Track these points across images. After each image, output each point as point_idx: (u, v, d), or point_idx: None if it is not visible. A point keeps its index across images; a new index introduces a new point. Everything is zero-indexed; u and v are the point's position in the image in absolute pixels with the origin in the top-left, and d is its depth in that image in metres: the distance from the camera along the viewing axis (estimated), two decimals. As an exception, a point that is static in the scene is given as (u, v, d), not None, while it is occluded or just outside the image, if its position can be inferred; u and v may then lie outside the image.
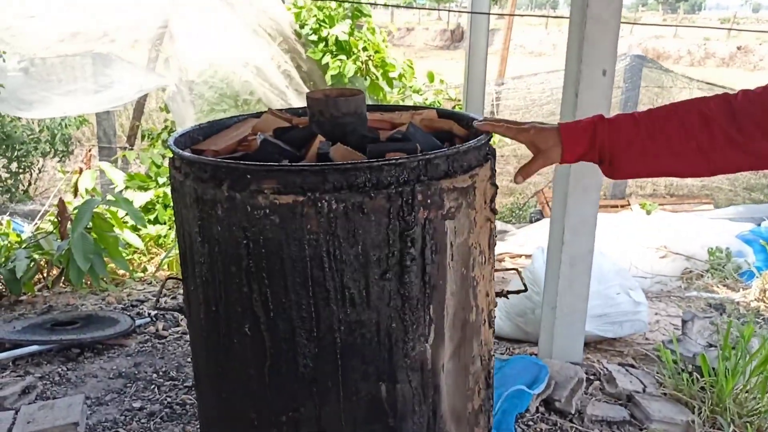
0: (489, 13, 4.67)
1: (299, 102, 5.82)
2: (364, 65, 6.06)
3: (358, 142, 1.63)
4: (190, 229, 1.59)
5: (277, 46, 6.07)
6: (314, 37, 5.99)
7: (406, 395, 1.58)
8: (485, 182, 1.62)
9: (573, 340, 3.61)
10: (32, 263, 4.38)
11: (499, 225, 6.97)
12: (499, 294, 1.83)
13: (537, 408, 3.23)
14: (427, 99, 6.22)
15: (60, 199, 4.59)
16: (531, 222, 7.28)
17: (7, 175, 6.83)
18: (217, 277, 1.56)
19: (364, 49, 5.98)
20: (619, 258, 4.80)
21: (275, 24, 6.10)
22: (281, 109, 2.03)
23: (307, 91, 6.31)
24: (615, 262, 4.21)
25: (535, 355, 3.76)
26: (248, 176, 1.44)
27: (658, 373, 3.54)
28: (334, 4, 6.17)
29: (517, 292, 1.84)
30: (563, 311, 3.56)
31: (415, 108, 2.04)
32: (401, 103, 6.26)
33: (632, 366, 3.68)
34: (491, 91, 7.18)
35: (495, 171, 1.70)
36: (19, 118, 6.60)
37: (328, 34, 5.87)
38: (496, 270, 1.88)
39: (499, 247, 6.37)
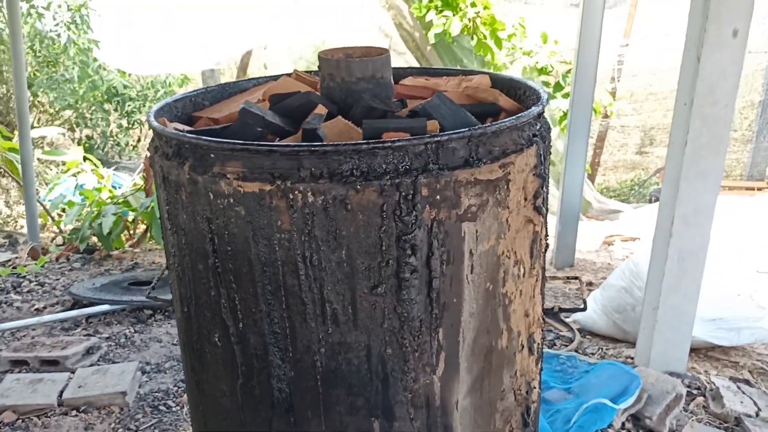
0: (608, -36, 4.10)
1: (398, 64, 5.48)
2: (471, 23, 5.59)
3: (368, 116, 1.30)
4: (162, 214, 1.34)
5: (379, 3, 5.73)
6: (418, -8, 5.60)
7: (407, 436, 1.26)
8: (525, 173, 1.24)
9: (676, 347, 3.12)
10: (119, 219, 4.40)
11: (613, 204, 6.35)
12: (549, 312, 1.46)
13: (623, 424, 2.80)
14: (538, 62, 5.69)
15: (146, 155, 4.57)
16: (650, 201, 6.59)
17: (118, 130, 7.04)
18: (187, 274, 1.30)
19: (472, 5, 5.51)
20: (745, 250, 4.16)
21: (377, -22, 5.77)
22: (309, 71, 1.73)
23: (407, 52, 5.97)
24: (737, 257, 3.62)
25: (632, 359, 3.30)
26: (212, 156, 1.16)
27: (778, 394, 2.98)
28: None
29: (572, 310, 1.46)
30: (666, 314, 3.06)
31: (465, 72, 1.66)
32: (509, 66, 5.77)
33: (747, 382, 3.13)
34: (614, 53, 6.49)
35: (545, 156, 1.31)
36: (128, 75, 6.73)
37: (433, -12, 5.46)
38: (555, 279, 1.51)
39: (611, 229, 5.79)
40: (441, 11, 5.40)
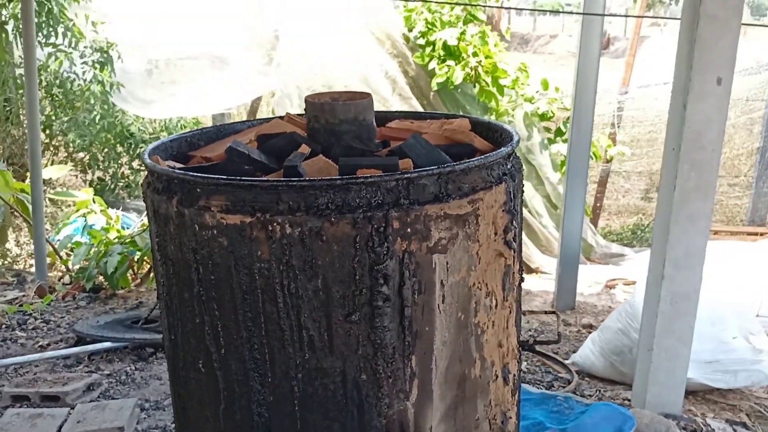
0: (603, 14, 4.23)
1: (403, 109, 5.63)
2: (473, 71, 5.75)
3: (348, 155, 1.38)
4: (153, 245, 1.42)
5: (385, 51, 5.91)
6: (422, 41, 5.77)
7: (381, 461, 1.31)
8: (495, 209, 1.32)
9: (671, 389, 3.13)
10: (124, 259, 4.49)
11: (616, 248, 6.39)
12: (524, 345, 1.51)
13: (617, 465, 2.79)
14: (539, 108, 5.82)
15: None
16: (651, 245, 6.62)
17: (129, 171, 7.20)
18: (174, 302, 1.37)
19: (474, 54, 5.67)
20: (744, 294, 4.17)
21: (384, 27, 5.95)
22: (301, 114, 1.82)
23: (412, 97, 6.12)
24: (734, 301, 3.64)
25: (629, 401, 3.30)
26: (198, 190, 1.24)
27: (775, 438, 2.98)
28: (447, 9, 5.93)
29: (547, 342, 1.51)
30: (661, 356, 3.09)
31: (447, 116, 1.75)
32: (511, 112, 5.89)
33: (744, 426, 3.13)
34: (613, 101, 6.62)
35: (516, 194, 1.39)
36: (142, 118, 6.92)
37: (437, 38, 5.63)
38: (532, 314, 1.56)
39: (613, 272, 5.82)
40: (443, 60, 5.57)
